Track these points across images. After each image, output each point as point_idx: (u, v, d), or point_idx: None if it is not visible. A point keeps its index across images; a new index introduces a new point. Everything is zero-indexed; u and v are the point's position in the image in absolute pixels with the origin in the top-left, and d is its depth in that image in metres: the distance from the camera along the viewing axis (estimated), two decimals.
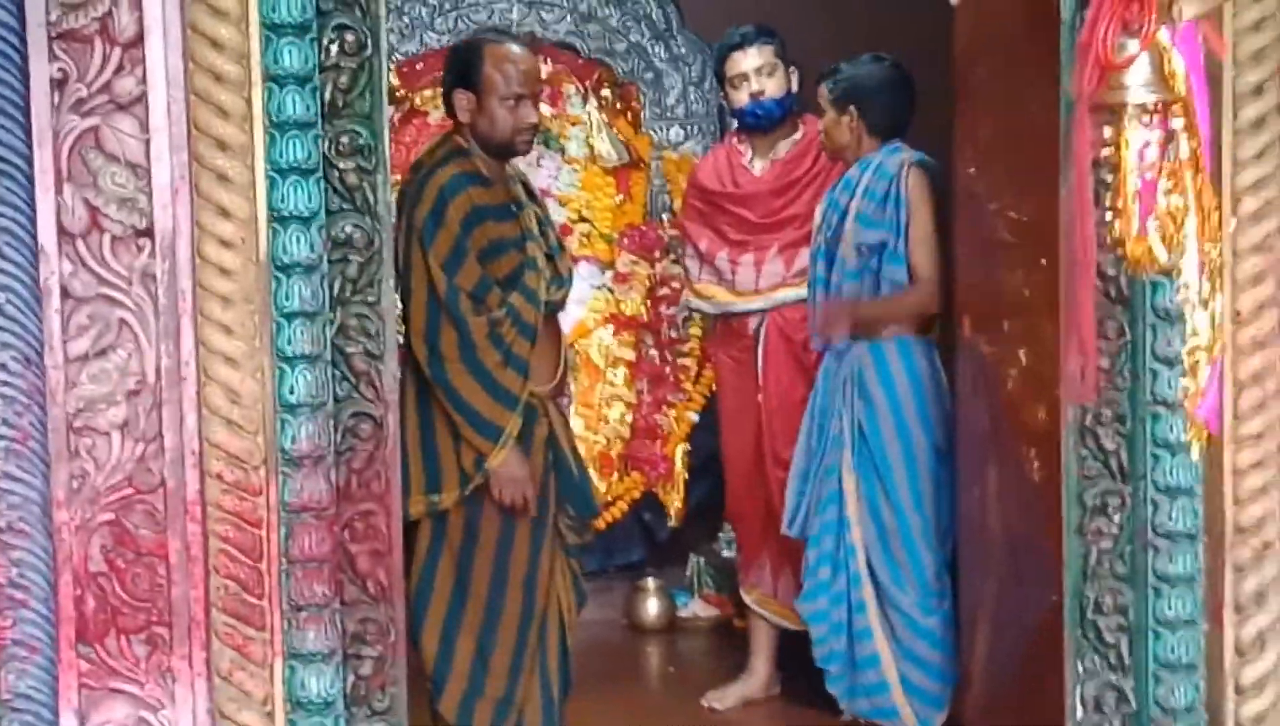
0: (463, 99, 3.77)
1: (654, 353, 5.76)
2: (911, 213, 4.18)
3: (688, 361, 5.80)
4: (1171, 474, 3.38)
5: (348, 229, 3.27)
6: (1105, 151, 2.16)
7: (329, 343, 3.25)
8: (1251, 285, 3.29)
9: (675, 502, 5.76)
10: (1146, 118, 2.10)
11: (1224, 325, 2.28)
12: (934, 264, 4.18)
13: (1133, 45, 2.08)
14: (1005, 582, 3.81)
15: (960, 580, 4.13)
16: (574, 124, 5.92)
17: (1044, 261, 3.40)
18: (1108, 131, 2.15)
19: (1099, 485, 3.42)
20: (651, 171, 5.98)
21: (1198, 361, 2.27)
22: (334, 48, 3.24)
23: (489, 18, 5.91)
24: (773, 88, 4.72)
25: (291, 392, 3.20)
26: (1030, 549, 3.61)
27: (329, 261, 3.24)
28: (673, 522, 5.79)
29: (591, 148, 5.92)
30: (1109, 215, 2.19)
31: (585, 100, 5.94)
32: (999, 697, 3.92)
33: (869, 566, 4.23)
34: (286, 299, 3.20)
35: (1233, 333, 3.29)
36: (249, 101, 3.13)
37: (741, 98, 4.77)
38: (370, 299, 3.29)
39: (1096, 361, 2.70)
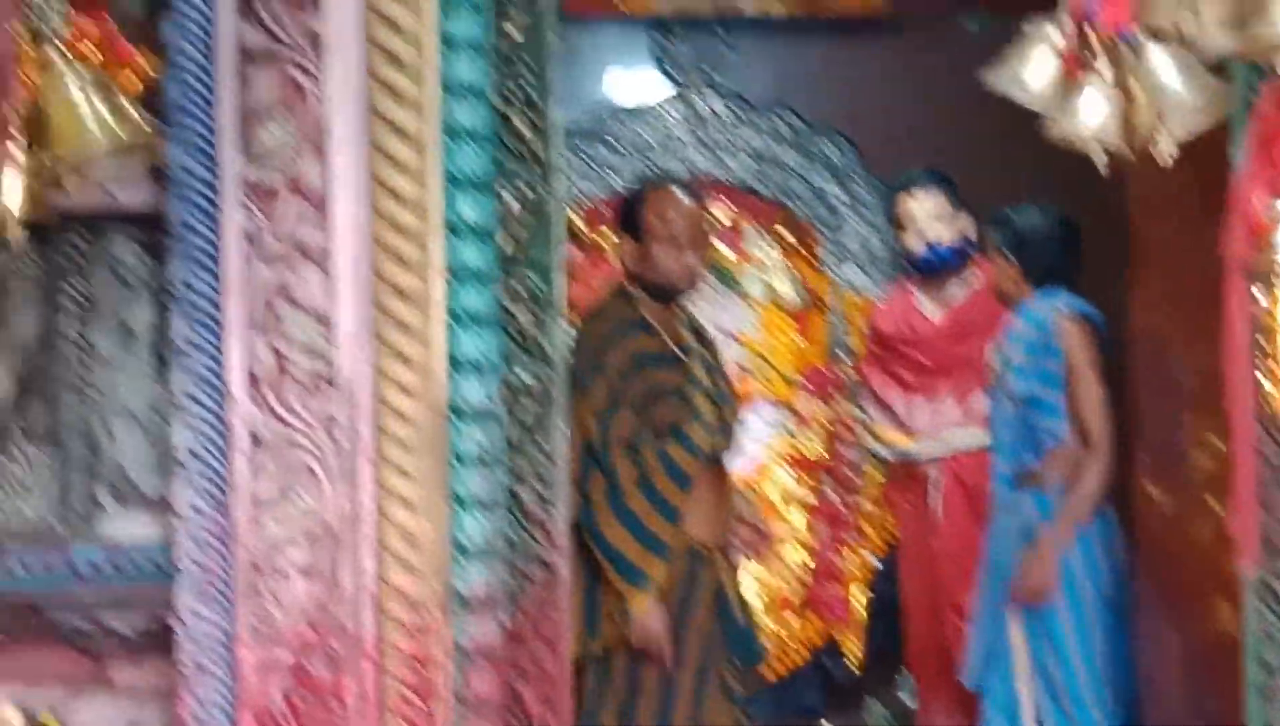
0: (626, 245, 3.82)
1: (833, 495, 5.72)
2: (1072, 366, 4.09)
3: (867, 504, 5.74)
4: None
5: (523, 376, 3.32)
6: (1260, 314, 2.11)
7: (505, 488, 3.30)
8: None
9: (855, 647, 5.66)
10: None
11: None
12: (1107, 427, 4.07)
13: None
14: None
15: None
16: (754, 265, 5.95)
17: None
18: (1260, 295, 2.10)
19: None
20: (831, 313, 5.96)
21: None
22: (512, 200, 3.32)
23: (670, 160, 5.99)
24: (945, 232, 4.72)
25: (467, 537, 3.24)
26: (1211, 710, 3.48)
27: (504, 407, 3.30)
28: (853, 668, 5.69)
29: (772, 289, 5.94)
30: (1265, 380, 2.13)
31: (765, 242, 5.97)
32: None
33: (1039, 723, 4.10)
34: (464, 444, 3.25)
35: None
36: (428, 251, 3.20)
37: (911, 241, 4.78)
38: (544, 445, 3.33)
39: (1256, 527, 2.60)
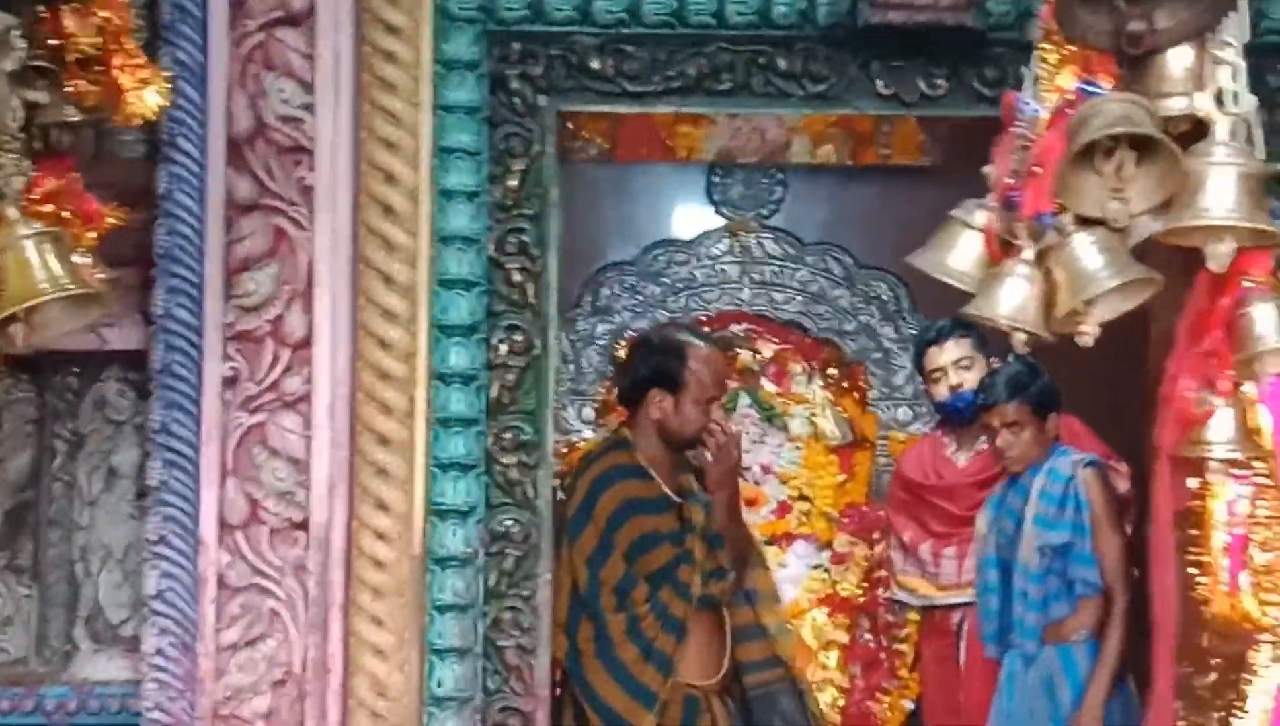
0: (659, 397, 3.76)
1: (869, 636, 5.60)
2: (1096, 516, 3.99)
3: (904, 647, 5.60)
4: None
5: (507, 523, 3.29)
6: (1192, 504, 2.05)
7: (481, 636, 3.27)
8: None
9: None
10: (1238, 470, 1.99)
11: None
12: (1125, 576, 3.96)
13: (1213, 400, 1.98)
14: None
15: None
16: (799, 403, 5.89)
17: None
18: (1194, 484, 2.04)
19: None
20: (877, 451, 5.88)
21: None
22: (503, 347, 3.32)
23: (718, 298, 5.97)
24: (971, 380, 4.61)
25: (439, 685, 3.20)
26: None
27: (486, 555, 3.27)
28: None
29: (815, 425, 5.87)
30: (1195, 571, 2.06)
31: (810, 379, 5.92)
32: None
33: None
34: (440, 592, 3.23)
35: None
36: (413, 399, 3.20)
37: (941, 391, 4.68)
38: (525, 593, 3.30)
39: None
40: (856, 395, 6.00)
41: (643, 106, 3.47)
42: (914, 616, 5.63)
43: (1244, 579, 2.03)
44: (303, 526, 3.10)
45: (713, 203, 6.07)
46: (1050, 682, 4.03)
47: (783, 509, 5.78)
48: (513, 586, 3.29)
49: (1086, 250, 2.02)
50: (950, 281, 2.31)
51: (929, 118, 4.42)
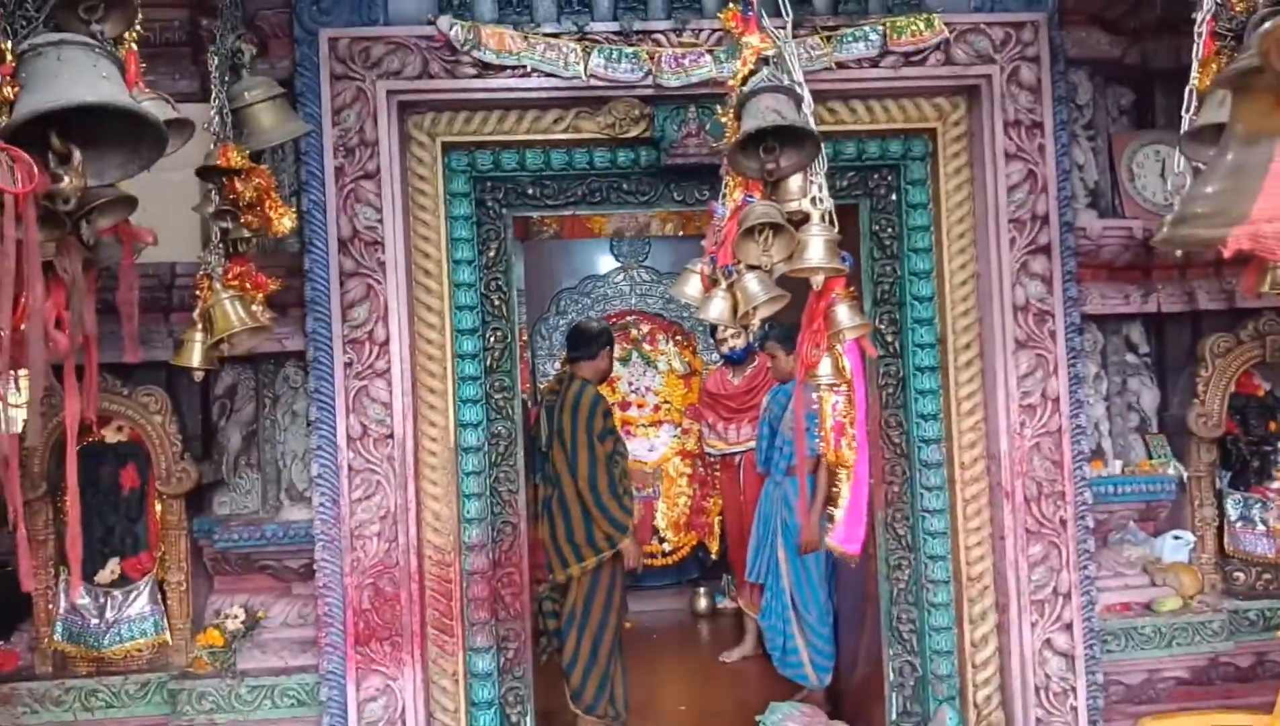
0: (608, 352, 3.77)
1: (702, 470, 5.59)
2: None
3: (718, 475, 5.61)
4: (931, 547, 3.16)
5: (498, 428, 3.20)
6: (816, 407, 2.04)
7: (489, 486, 3.17)
8: (969, 448, 3.09)
9: (714, 547, 5.52)
10: (837, 387, 1.98)
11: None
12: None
13: (819, 353, 1.97)
14: (853, 610, 3.57)
15: (837, 605, 3.87)
16: (662, 354, 5.85)
17: None
18: (815, 395, 2.03)
19: (896, 553, 3.19)
20: (702, 377, 5.85)
21: (836, 515, 2.09)
22: (491, 339, 3.21)
23: (619, 302, 5.90)
24: (740, 343, 4.63)
25: (469, 513, 3.13)
26: (863, 590, 3.37)
27: (488, 445, 3.18)
28: (713, 557, 5.54)
29: (671, 365, 5.83)
30: (819, 439, 2.05)
31: (668, 341, 5.87)
32: (852, 666, 3.65)
33: (792, 599, 3.96)
34: (465, 466, 3.12)
35: (960, 473, 3.09)
36: (446, 368, 3.10)
37: (725, 347, 4.71)
38: (510, 464, 3.21)
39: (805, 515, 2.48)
40: (691, 349, 5.94)
41: (556, 211, 3.39)
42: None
43: (842, 442, 2.03)
44: (390, 437, 3.02)
45: (614, 255, 6.00)
46: (787, 499, 4.00)
47: (656, 409, 5.73)
48: (503, 460, 3.23)
49: (751, 282, 1.98)
50: (684, 300, 2.27)
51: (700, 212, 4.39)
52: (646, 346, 5.84)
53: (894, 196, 3.15)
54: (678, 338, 5.96)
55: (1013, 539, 3.03)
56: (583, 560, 3.54)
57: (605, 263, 6.04)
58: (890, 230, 3.19)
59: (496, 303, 3.24)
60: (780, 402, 4.08)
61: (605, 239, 5.92)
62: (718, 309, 2.02)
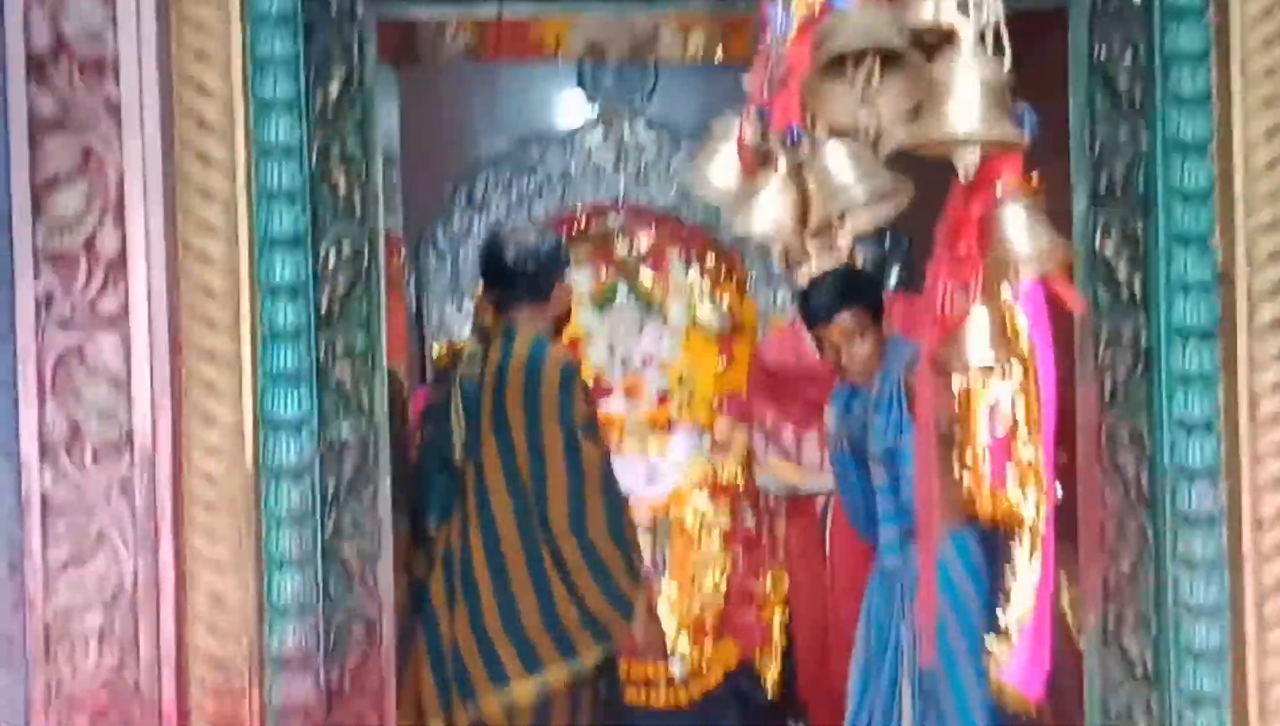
0: (565, 285, 3.82)
1: (750, 519, 5.63)
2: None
3: (787, 529, 5.63)
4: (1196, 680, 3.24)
5: (343, 432, 3.27)
6: (957, 408, 2.05)
7: (320, 544, 3.25)
8: (1273, 488, 3.16)
9: (772, 671, 5.57)
10: (1000, 371, 1.98)
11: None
12: None
13: (969, 304, 1.97)
14: None
15: None
16: (677, 292, 5.88)
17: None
18: (957, 386, 2.03)
19: (1124, 691, 3.29)
20: (757, 337, 5.86)
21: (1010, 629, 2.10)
22: (330, 258, 3.27)
23: (595, 190, 5.93)
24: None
25: (278, 595, 3.20)
26: None
27: (322, 465, 3.25)
28: (769, 691, 5.60)
29: (694, 314, 5.86)
30: (962, 472, 2.07)
31: (689, 267, 5.89)
32: None
33: None
34: (275, 503, 3.21)
35: (1255, 538, 3.15)
36: (238, 313, 3.15)
37: (803, 277, 4.64)
38: (365, 500, 3.28)
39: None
40: (735, 282, 5.98)
41: (466, 10, 3.39)
42: None
43: (1009, 473, 2.04)
44: (127, 446, 3.05)
45: (585, 94, 6.02)
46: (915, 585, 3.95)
47: (663, 398, 5.78)
48: (352, 494, 3.27)
49: (838, 161, 1.99)
50: (710, 199, 2.28)
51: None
52: (646, 277, 5.87)
53: None
54: (708, 260, 5.97)
55: None
56: (539, 671, 3.60)
57: (568, 109, 6.04)
58: (1130, 59, 3.22)
59: (342, 187, 3.26)
60: (859, 412, 4.03)
61: (567, 63, 5.92)
62: (770, 213, 2.04)
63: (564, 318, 3.86)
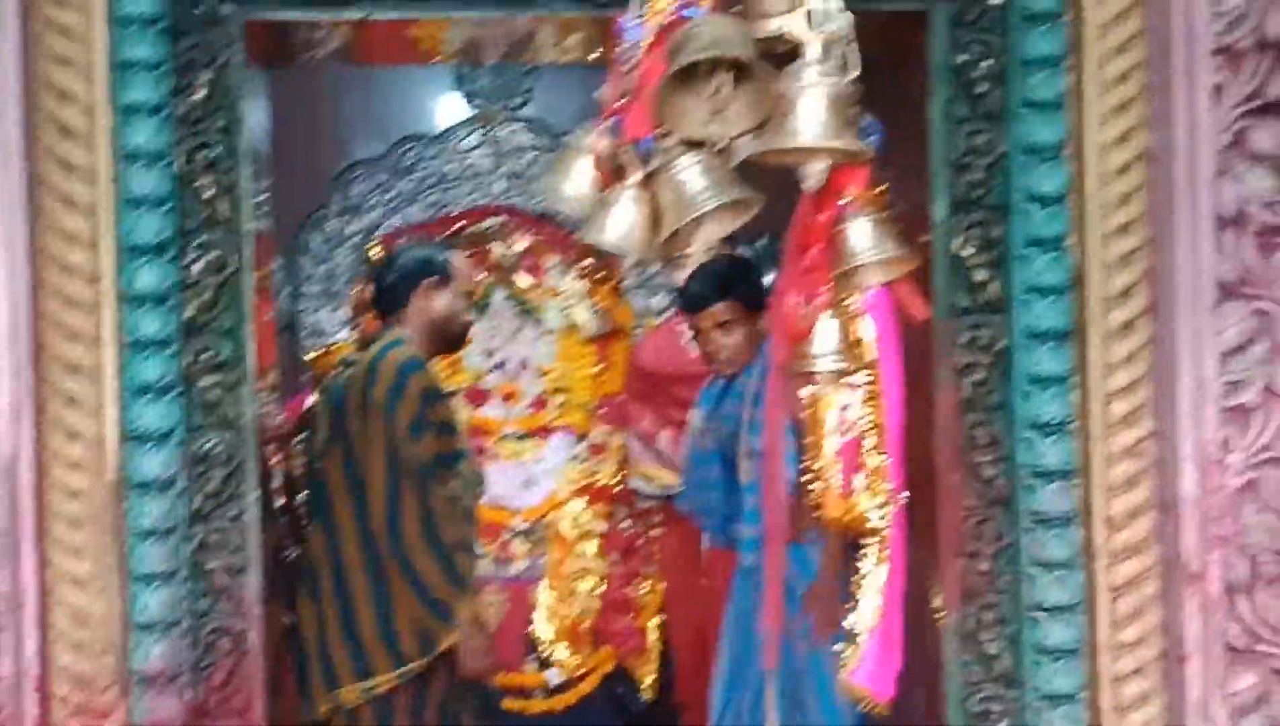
0: (431, 286, 3.78)
1: (627, 524, 5.62)
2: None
3: (660, 533, 5.64)
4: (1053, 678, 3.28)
5: (208, 445, 3.24)
6: (804, 414, 2.08)
7: (186, 560, 3.22)
8: (1124, 490, 3.22)
9: (648, 676, 5.58)
10: (848, 379, 2.02)
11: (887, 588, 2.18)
12: None
13: (816, 313, 2.01)
14: None
15: None
16: (554, 295, 5.86)
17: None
18: (806, 394, 2.06)
19: (983, 691, 3.32)
20: (632, 340, 5.87)
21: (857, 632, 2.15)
22: (196, 266, 3.24)
23: (472, 192, 5.91)
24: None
25: (143, 611, 3.17)
26: None
27: (189, 478, 3.22)
28: (646, 697, 5.60)
29: (570, 317, 5.85)
30: (808, 476, 2.10)
31: (566, 270, 5.88)
32: None
33: None
34: (140, 517, 3.18)
35: (1107, 537, 3.21)
36: (100, 323, 3.13)
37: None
38: (232, 514, 3.26)
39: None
40: (611, 284, 5.97)
41: (335, 12, 3.36)
42: None
43: (857, 481, 2.07)
44: None
45: (464, 95, 5.98)
46: (793, 590, 3.97)
47: (540, 402, 5.76)
48: (219, 508, 3.26)
49: (689, 172, 2.01)
50: (566, 210, 2.29)
51: None
52: (523, 280, 5.86)
53: None
54: (585, 263, 5.97)
55: (1202, 663, 3.13)
56: (368, 677, 3.59)
57: (445, 111, 6.02)
58: (988, 65, 3.26)
59: (208, 193, 3.24)
60: (731, 409, 4.07)
61: (444, 64, 5.88)
62: (622, 222, 2.05)
63: (440, 323, 3.82)
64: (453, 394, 3.82)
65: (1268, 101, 3.09)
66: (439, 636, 3.56)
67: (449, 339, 3.83)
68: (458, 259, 3.86)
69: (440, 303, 3.78)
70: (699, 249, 2.11)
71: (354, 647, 3.60)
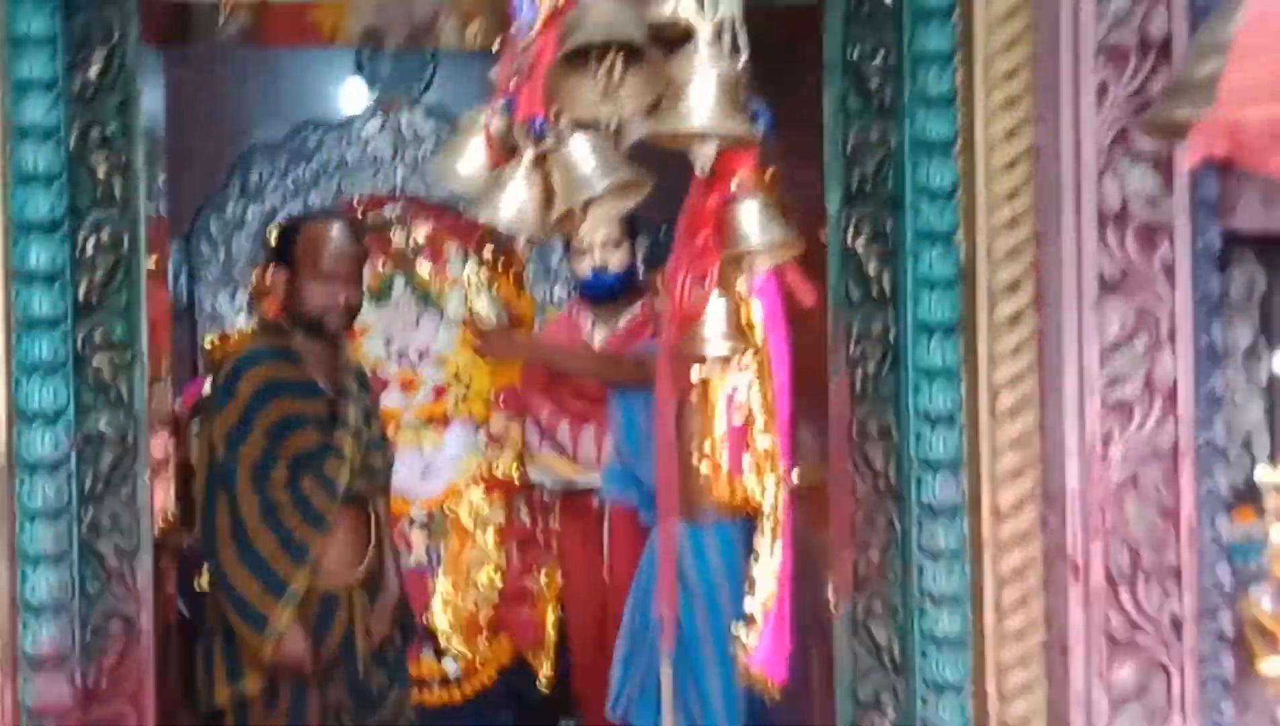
0: (279, 276, 3.74)
1: (525, 515, 5.65)
2: None
3: (560, 525, 5.67)
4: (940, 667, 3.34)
5: (101, 425, 3.24)
6: (694, 397, 2.13)
7: (76, 541, 3.22)
8: (1011, 481, 3.28)
9: (545, 668, 5.61)
10: (737, 362, 2.07)
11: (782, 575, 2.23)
12: None
13: (705, 295, 2.06)
14: None
15: None
16: (455, 285, 5.88)
17: None
18: (696, 376, 2.11)
19: (872, 679, 3.38)
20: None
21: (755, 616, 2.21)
22: (89, 244, 3.24)
23: (372, 179, 5.91)
24: (616, 262, 4.63)
25: (33, 593, 3.16)
26: None
27: (79, 458, 3.22)
28: (543, 688, 5.63)
29: (470, 308, 5.86)
30: (697, 457, 2.15)
31: (466, 260, 5.90)
32: None
33: None
34: (30, 498, 3.18)
35: (994, 528, 3.27)
36: None
37: (584, 267, 4.69)
38: (124, 495, 3.26)
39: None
40: (512, 275, 5.99)
41: None
42: None
43: (746, 461, 2.12)
44: None
45: (365, 81, 5.99)
46: (680, 564, 4.05)
47: (439, 392, 5.77)
48: (110, 489, 3.26)
49: (580, 153, 2.05)
50: (456, 189, 2.32)
51: None
52: (424, 269, 5.87)
53: None
54: (486, 252, 5.99)
55: (1083, 653, 3.20)
56: (238, 680, 3.61)
57: (346, 96, 6.03)
58: (881, 60, 3.32)
59: (101, 172, 3.24)
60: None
61: (346, 48, 5.89)
62: (514, 202, 2.08)
63: (308, 307, 3.70)
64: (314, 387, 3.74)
65: (1150, 100, 3.15)
66: (263, 650, 3.51)
67: (308, 322, 3.71)
68: (308, 241, 3.74)
69: (286, 290, 3.72)
70: (590, 229, 2.15)
71: (225, 655, 3.60)
